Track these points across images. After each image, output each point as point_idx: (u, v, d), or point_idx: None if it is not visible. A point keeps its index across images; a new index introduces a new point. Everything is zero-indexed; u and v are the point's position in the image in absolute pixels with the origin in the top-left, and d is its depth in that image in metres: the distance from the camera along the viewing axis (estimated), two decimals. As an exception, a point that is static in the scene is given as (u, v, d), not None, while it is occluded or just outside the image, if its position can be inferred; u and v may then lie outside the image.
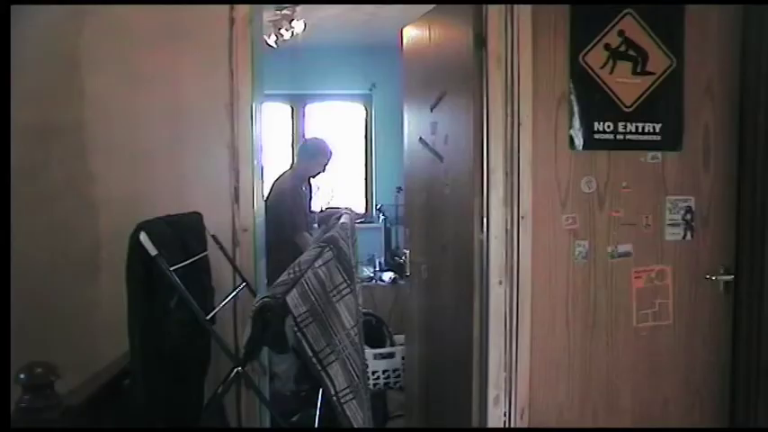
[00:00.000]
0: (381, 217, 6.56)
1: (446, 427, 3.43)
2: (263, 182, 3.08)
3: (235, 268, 2.81)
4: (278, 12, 5.10)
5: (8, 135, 2.21)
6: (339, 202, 6.65)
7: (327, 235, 2.31)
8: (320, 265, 2.12)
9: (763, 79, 2.95)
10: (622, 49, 3.05)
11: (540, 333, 3.05)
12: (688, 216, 3.11)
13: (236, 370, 2.14)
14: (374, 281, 6.05)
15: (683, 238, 3.12)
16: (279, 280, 1.98)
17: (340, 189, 7.18)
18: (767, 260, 2.94)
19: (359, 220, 5.66)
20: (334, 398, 2.12)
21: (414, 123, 3.80)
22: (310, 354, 2.00)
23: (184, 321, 2.16)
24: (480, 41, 2.99)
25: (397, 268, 4.34)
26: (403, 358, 4.62)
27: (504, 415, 3.06)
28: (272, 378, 3.71)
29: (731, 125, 3.11)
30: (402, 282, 4.80)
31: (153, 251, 1.98)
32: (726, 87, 3.10)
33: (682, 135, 3.09)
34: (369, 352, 4.65)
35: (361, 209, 7.21)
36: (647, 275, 3.12)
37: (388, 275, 6.03)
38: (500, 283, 2.98)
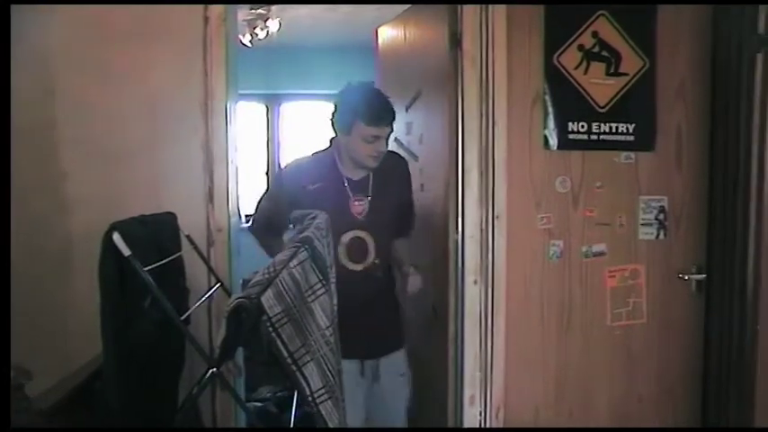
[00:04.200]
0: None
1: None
2: (237, 182, 3.06)
3: (209, 268, 2.79)
4: (253, 11, 5.08)
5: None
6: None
7: (302, 235, 2.30)
8: (295, 266, 2.11)
9: (733, 80, 2.98)
10: (596, 50, 3.07)
11: (515, 332, 3.07)
12: (661, 216, 3.14)
13: (210, 371, 2.13)
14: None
15: (657, 237, 3.15)
16: (253, 280, 1.97)
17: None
18: (738, 259, 2.97)
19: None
20: (310, 398, 2.11)
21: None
22: (285, 354, 1.99)
23: (158, 322, 2.14)
24: (455, 41, 3.00)
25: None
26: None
27: (480, 414, 3.07)
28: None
29: (703, 126, 3.14)
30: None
31: (126, 251, 1.96)
32: (697, 88, 3.13)
33: (655, 135, 3.12)
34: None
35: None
36: (620, 275, 3.14)
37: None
38: (475, 282, 2.99)
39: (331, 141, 2.86)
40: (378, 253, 2.77)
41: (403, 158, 3.04)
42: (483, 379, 3.06)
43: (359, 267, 2.74)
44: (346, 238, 2.72)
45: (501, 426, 3.08)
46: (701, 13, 3.12)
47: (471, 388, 3.06)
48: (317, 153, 2.89)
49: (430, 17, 3.24)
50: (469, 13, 2.96)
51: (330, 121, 2.80)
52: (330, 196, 2.70)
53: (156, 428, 2.26)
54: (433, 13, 3.17)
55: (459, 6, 2.98)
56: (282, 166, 3.04)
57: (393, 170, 2.88)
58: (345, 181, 2.76)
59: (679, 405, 3.23)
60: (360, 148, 2.70)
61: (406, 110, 3.48)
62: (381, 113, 2.69)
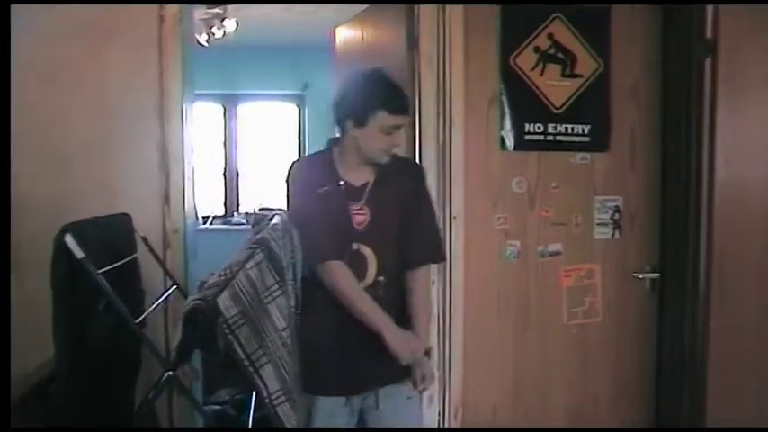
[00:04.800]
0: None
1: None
2: (194, 183, 3.03)
3: (165, 270, 2.76)
4: (209, 10, 5.03)
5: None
6: (272, 203, 6.60)
7: (258, 236, 2.29)
8: (251, 267, 2.10)
9: (684, 83, 3.03)
10: (552, 51, 3.11)
11: (473, 332, 3.08)
12: (616, 215, 3.18)
13: (166, 374, 2.11)
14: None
15: (612, 237, 3.19)
16: (209, 282, 1.96)
17: (273, 190, 7.14)
18: (690, 258, 3.03)
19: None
20: (267, 400, 2.10)
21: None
22: (242, 356, 1.98)
23: (113, 325, 2.11)
24: (412, 42, 3.00)
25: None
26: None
27: (439, 414, 3.08)
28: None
29: (656, 127, 3.19)
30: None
31: (79, 254, 1.93)
32: (650, 91, 3.18)
33: (609, 136, 3.16)
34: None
35: (294, 210, 7.16)
36: (576, 274, 3.18)
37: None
38: (433, 282, 2.99)
39: (330, 141, 2.55)
40: (380, 270, 2.43)
41: (418, 165, 2.75)
42: (441, 379, 3.06)
43: (362, 284, 2.41)
44: (347, 252, 2.41)
45: (459, 426, 3.09)
46: (653, 17, 3.18)
47: (430, 389, 3.06)
48: (316, 153, 2.62)
49: (387, 18, 3.24)
50: (426, 14, 2.97)
51: (337, 115, 2.44)
52: (334, 203, 2.43)
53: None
54: (391, 14, 3.18)
55: (416, 7, 2.99)
56: (290, 166, 2.57)
57: (402, 177, 2.52)
58: (344, 186, 2.44)
59: (634, 403, 3.28)
60: (376, 142, 2.38)
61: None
62: (404, 100, 2.42)
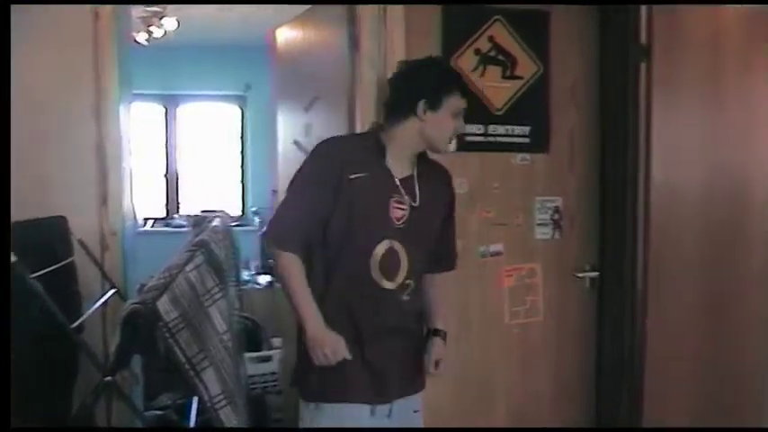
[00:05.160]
0: (257, 220, 6.49)
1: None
2: (132, 185, 2.98)
3: (103, 274, 2.71)
4: (147, 8, 4.95)
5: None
6: (213, 205, 6.53)
7: (198, 238, 2.27)
8: (191, 270, 2.08)
9: (620, 86, 3.10)
10: (492, 54, 3.13)
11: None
12: (556, 215, 3.22)
13: (105, 379, 2.07)
14: (250, 284, 5.97)
15: (552, 237, 3.23)
16: (149, 285, 1.93)
17: (214, 192, 7.07)
18: (628, 258, 3.09)
19: (234, 224, 5.54)
20: (209, 404, 2.08)
21: (288, 125, 3.77)
22: (183, 360, 1.96)
23: (48, 330, 2.06)
24: (353, 43, 3.00)
25: (273, 271, 4.24)
26: (280, 361, 4.57)
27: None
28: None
29: (594, 129, 3.25)
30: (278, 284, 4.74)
31: (12, 258, 1.88)
32: (589, 91, 3.24)
33: (549, 137, 3.21)
34: (246, 356, 4.57)
35: (236, 212, 7.11)
36: (517, 274, 3.21)
37: (264, 279, 5.95)
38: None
39: (376, 126, 2.41)
40: (410, 273, 2.29)
41: (446, 168, 2.54)
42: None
43: (391, 285, 2.27)
44: (381, 248, 2.24)
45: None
46: (591, 20, 3.24)
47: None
48: (355, 135, 2.46)
49: (328, 19, 3.23)
50: (367, 14, 2.97)
51: (404, 98, 2.29)
52: (372, 193, 2.24)
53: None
54: (331, 15, 3.17)
55: (356, 8, 2.98)
56: (317, 144, 2.35)
57: (437, 178, 2.43)
58: (391, 177, 2.28)
59: (575, 402, 3.32)
60: (447, 125, 2.28)
61: (306, 111, 3.46)
62: (466, 83, 2.39)
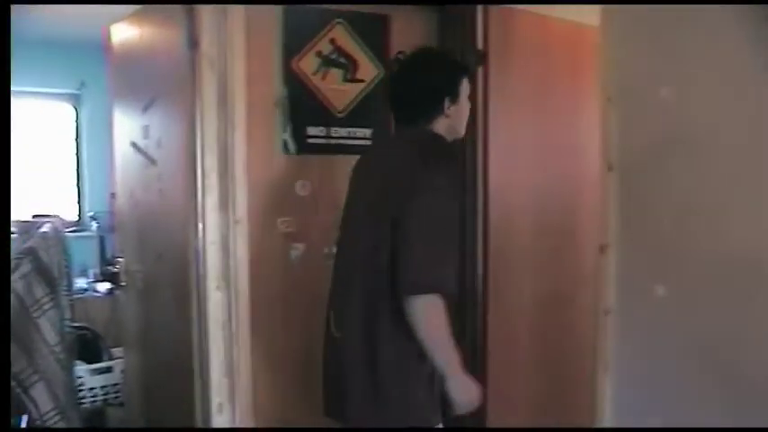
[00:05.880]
0: (95, 224, 6.23)
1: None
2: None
3: None
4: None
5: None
6: (46, 209, 6.19)
7: (25, 246, 2.15)
8: (17, 279, 1.97)
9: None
10: (334, 56, 3.16)
11: (261, 337, 3.06)
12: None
13: None
14: (88, 292, 5.72)
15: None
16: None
17: (47, 195, 6.73)
18: (468, 258, 3.17)
19: (70, 229, 5.29)
20: (39, 421, 1.98)
21: (126, 126, 3.63)
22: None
23: None
24: (192, 42, 2.93)
25: (113, 278, 4.04)
26: (122, 372, 4.41)
27: (230, 422, 3.03)
28: None
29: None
30: (118, 292, 4.57)
31: None
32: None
33: (390, 140, 3.26)
34: (84, 368, 4.37)
35: (72, 216, 6.78)
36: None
37: (103, 286, 5.71)
38: (218, 288, 2.94)
39: (421, 127, 2.32)
40: None
41: None
42: (230, 386, 3.01)
43: None
44: None
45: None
46: (431, 24, 3.31)
47: (219, 395, 3.00)
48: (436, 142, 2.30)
49: (165, 17, 3.14)
50: (206, 13, 2.90)
51: (434, 101, 2.28)
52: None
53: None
54: (170, 12, 3.08)
55: (194, 6, 2.91)
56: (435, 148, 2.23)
57: None
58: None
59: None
60: (466, 111, 2.38)
61: (144, 112, 3.35)
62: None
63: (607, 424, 2.09)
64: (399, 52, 2.64)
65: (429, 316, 2.06)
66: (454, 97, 2.31)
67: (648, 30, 1.95)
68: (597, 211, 2.13)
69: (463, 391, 2.16)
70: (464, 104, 2.37)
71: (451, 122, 2.33)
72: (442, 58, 2.45)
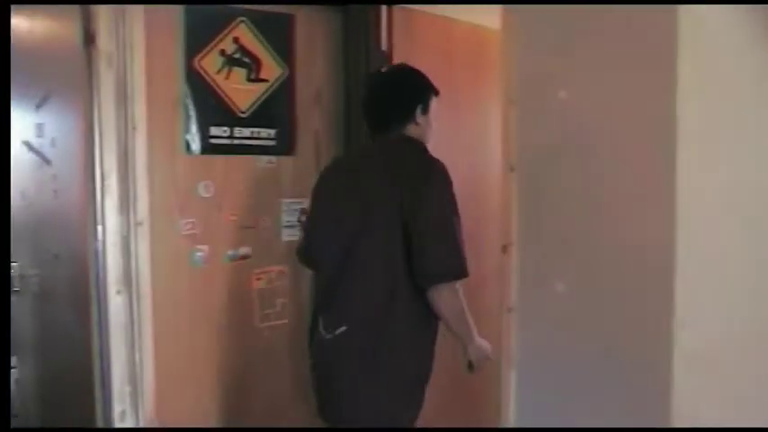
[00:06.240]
0: (-13, 226, 5.93)
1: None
2: None
3: None
4: None
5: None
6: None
7: None
8: None
9: (362, 86, 3.20)
10: (237, 55, 3.10)
11: (165, 342, 2.98)
12: (303, 217, 3.25)
13: None
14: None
15: (300, 238, 3.27)
16: None
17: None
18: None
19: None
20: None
21: (18, 124, 3.46)
22: None
23: None
24: (88, 38, 2.82)
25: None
26: (16, 382, 4.22)
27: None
28: None
29: (339, 131, 3.34)
30: (12, 298, 4.37)
31: None
32: (333, 95, 3.32)
33: (295, 140, 3.25)
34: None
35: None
36: (267, 276, 3.21)
37: (-3, 291, 5.46)
38: (119, 292, 2.84)
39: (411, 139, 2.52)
40: None
41: None
42: (133, 393, 2.92)
43: None
44: None
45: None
46: (335, 26, 3.31)
47: (121, 403, 2.91)
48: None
49: (59, 11, 3.01)
50: (103, 9, 2.80)
51: (405, 109, 2.51)
52: None
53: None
54: (62, 8, 2.96)
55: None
56: (435, 163, 2.42)
57: None
58: None
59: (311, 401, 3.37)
60: (433, 129, 2.57)
61: (37, 109, 3.22)
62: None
63: (512, 424, 2.12)
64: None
65: (454, 300, 2.34)
66: (425, 107, 2.51)
67: (548, 32, 1.99)
68: (499, 210, 2.16)
69: (481, 352, 2.46)
70: (432, 120, 2.55)
71: (420, 132, 2.51)
72: (417, 73, 2.58)
